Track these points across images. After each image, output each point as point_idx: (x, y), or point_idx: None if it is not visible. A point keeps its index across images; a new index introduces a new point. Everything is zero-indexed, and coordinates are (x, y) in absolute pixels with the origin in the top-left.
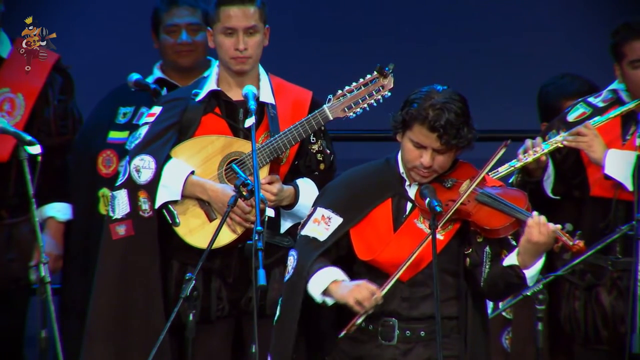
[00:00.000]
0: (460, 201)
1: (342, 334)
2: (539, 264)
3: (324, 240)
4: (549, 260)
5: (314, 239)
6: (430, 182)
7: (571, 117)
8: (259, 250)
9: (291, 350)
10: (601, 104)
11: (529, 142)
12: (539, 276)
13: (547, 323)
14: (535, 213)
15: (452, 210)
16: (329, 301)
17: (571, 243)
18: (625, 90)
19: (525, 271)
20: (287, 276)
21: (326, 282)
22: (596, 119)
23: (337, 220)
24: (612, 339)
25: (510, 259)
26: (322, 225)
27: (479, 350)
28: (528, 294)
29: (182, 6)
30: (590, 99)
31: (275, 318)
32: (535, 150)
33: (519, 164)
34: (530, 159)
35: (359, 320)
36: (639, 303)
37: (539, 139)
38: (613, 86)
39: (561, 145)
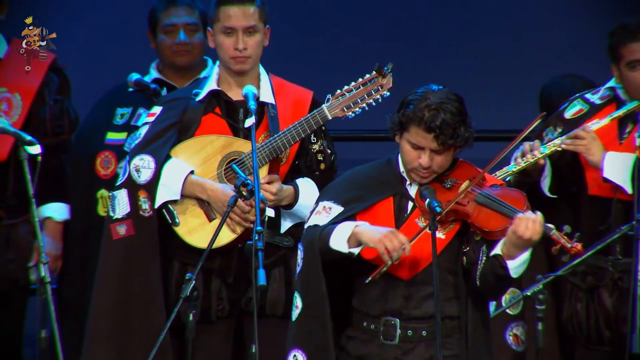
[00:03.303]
0: (456, 200)
1: (369, 279)
2: (524, 256)
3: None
4: (550, 260)
5: (316, 225)
6: (430, 183)
7: (568, 114)
8: (259, 250)
9: (330, 339)
10: (598, 101)
11: (527, 145)
12: (539, 277)
13: (548, 324)
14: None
15: (448, 209)
16: (355, 251)
17: (569, 245)
18: (622, 88)
19: (508, 262)
20: (298, 268)
21: (349, 230)
22: (594, 121)
23: (337, 209)
24: (614, 340)
25: (496, 249)
26: (324, 215)
27: (480, 350)
28: (528, 294)
29: (180, 6)
30: (588, 96)
31: (299, 311)
32: (534, 154)
33: (517, 168)
34: (528, 163)
35: (384, 268)
36: (639, 303)
37: (536, 142)
38: (610, 84)
39: (559, 149)
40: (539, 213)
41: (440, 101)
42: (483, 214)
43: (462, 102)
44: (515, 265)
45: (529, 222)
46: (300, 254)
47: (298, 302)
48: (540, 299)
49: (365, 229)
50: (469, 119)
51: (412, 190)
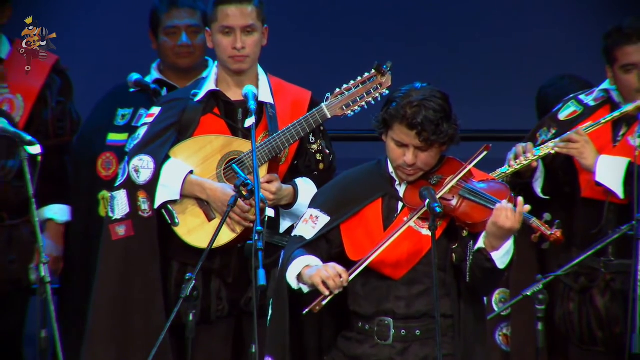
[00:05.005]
0: (441, 194)
1: (306, 311)
2: (507, 245)
3: (310, 238)
4: (542, 260)
5: (301, 237)
6: (417, 180)
7: (562, 115)
8: (259, 250)
9: (288, 348)
10: (592, 103)
11: (519, 147)
12: (539, 277)
13: (545, 323)
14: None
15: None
16: (305, 288)
17: (549, 232)
18: (617, 90)
19: (492, 253)
20: (277, 274)
21: (300, 268)
22: (588, 123)
23: (324, 219)
24: (607, 340)
25: (479, 243)
26: (310, 224)
27: (473, 349)
28: (528, 294)
29: (182, 8)
30: (582, 97)
31: (269, 318)
32: (527, 156)
33: (510, 170)
34: (521, 165)
35: (325, 302)
36: (639, 303)
37: (529, 145)
38: (605, 85)
39: (552, 152)
40: (520, 199)
41: (422, 98)
42: (466, 207)
43: (446, 99)
44: (500, 256)
45: (509, 212)
46: (280, 261)
47: (270, 309)
48: (540, 299)
49: (309, 270)
50: (454, 115)
51: (402, 190)
